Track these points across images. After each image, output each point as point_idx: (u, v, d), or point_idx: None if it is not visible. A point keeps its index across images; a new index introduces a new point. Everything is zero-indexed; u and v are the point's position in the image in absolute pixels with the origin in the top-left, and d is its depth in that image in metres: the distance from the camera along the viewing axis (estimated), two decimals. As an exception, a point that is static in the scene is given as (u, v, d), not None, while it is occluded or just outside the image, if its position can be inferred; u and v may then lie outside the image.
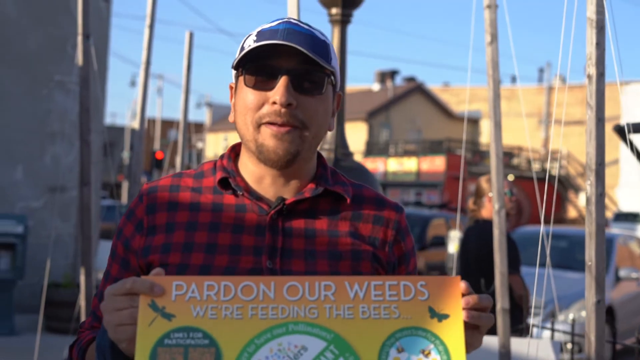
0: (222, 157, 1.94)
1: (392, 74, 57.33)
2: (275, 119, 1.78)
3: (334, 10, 6.60)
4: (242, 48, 1.83)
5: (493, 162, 4.57)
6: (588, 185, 3.20)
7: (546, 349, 4.77)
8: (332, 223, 1.87)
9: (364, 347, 1.52)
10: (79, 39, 5.18)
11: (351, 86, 61.52)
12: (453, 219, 16.15)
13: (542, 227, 3.81)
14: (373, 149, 44.59)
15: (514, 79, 59.34)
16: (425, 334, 1.54)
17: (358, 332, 1.54)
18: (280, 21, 1.83)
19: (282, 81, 1.76)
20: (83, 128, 5.22)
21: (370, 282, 1.58)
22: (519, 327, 5.72)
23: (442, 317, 1.56)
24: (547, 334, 8.83)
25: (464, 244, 7.04)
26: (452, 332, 1.55)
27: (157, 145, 44.03)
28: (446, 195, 36.00)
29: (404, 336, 1.54)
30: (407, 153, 41.59)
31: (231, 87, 1.92)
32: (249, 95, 1.80)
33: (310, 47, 1.77)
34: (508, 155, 40.65)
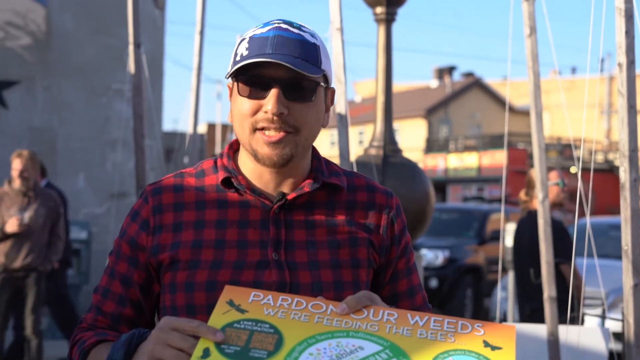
0: (221, 155, 2.02)
1: (450, 69, 57.07)
2: (269, 125, 1.86)
3: (378, 10, 6.68)
4: (236, 54, 1.91)
5: (535, 152, 4.62)
6: (622, 172, 3.25)
7: (596, 337, 4.80)
8: (330, 213, 1.97)
9: (417, 356, 1.61)
10: (130, 47, 5.35)
11: (409, 83, 61.36)
12: (513, 212, 16.05)
13: (588, 219, 3.85)
14: (433, 145, 44.32)
15: (574, 70, 58.61)
16: (478, 356, 1.61)
17: (413, 345, 1.62)
18: (271, 27, 1.90)
19: (273, 92, 1.84)
20: (137, 134, 5.38)
21: (431, 316, 1.69)
22: (571, 315, 5.75)
23: (496, 348, 1.62)
24: (609, 323, 8.77)
25: (517, 235, 7.09)
26: None
27: (218, 149, 44.38)
28: (508, 190, 35.70)
29: (457, 354, 1.61)
30: (467, 148, 41.23)
31: (229, 87, 1.99)
32: (244, 104, 1.88)
33: (299, 55, 1.85)
34: (570, 147, 40.09)
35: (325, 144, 46.81)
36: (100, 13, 11.64)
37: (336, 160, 4.69)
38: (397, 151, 6.77)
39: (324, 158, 2.06)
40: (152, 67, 9.76)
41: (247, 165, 1.97)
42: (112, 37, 11.46)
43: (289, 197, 1.92)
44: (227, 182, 1.95)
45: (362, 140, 45.01)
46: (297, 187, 1.96)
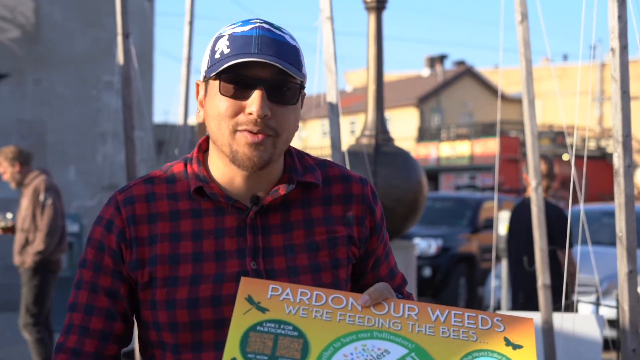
0: (190, 160, 1.95)
1: (441, 58, 57.00)
2: (252, 128, 1.80)
3: (368, -2, 6.65)
4: (214, 52, 1.84)
5: (528, 139, 4.60)
6: (615, 157, 3.22)
7: (591, 324, 4.78)
8: (307, 212, 1.93)
9: (443, 358, 1.61)
10: (119, 38, 5.29)
11: (400, 72, 61.29)
12: (506, 200, 16.04)
13: (581, 206, 3.83)
14: (425, 134, 44.32)
15: (565, 57, 58.66)
16: (501, 357, 1.63)
17: (438, 347, 1.63)
18: (252, 26, 1.84)
19: (257, 93, 1.79)
20: (127, 125, 5.33)
21: (451, 310, 1.69)
22: (565, 303, 5.73)
23: (517, 346, 1.64)
24: (603, 310, 8.77)
25: (515, 220, 7.06)
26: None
27: (209, 140, 44.10)
28: (500, 178, 35.70)
29: (481, 356, 1.62)
30: (459, 137, 41.23)
31: (198, 85, 1.93)
32: (224, 103, 1.82)
33: (284, 57, 1.80)
34: (562, 134, 40.15)
35: (317, 134, 46.66)
36: (89, 5, 11.58)
37: (328, 150, 4.66)
38: (389, 140, 6.74)
39: (296, 150, 2.01)
40: (141, 59, 9.71)
41: (219, 169, 1.91)
42: (101, 29, 11.41)
43: (265, 201, 1.88)
44: (199, 192, 1.89)
45: (353, 130, 44.91)
46: (271, 189, 1.91)
